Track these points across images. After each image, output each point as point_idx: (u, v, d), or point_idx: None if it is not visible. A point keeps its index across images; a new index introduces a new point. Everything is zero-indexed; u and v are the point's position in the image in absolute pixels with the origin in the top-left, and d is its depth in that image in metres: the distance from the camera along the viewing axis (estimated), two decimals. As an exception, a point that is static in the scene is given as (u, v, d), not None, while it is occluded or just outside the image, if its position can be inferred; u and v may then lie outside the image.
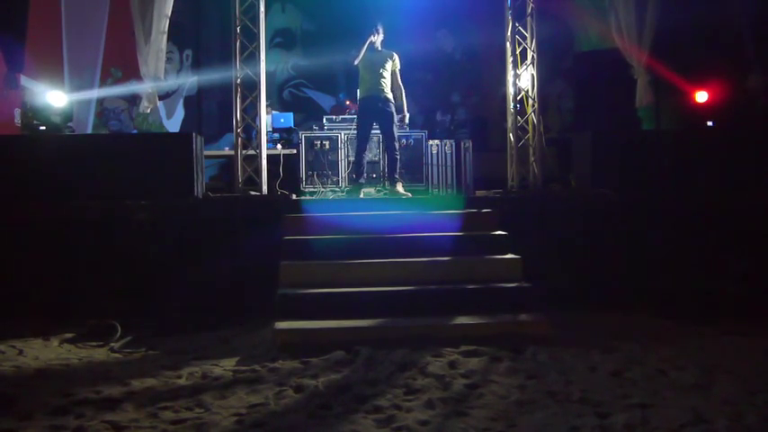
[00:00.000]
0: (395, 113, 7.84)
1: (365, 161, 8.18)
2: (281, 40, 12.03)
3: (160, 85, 8.04)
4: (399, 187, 7.85)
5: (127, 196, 6.52)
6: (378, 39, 7.77)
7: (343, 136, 9.03)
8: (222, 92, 10.94)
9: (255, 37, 7.36)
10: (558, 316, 5.57)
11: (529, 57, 7.81)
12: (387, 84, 7.77)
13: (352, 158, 9.01)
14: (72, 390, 4.26)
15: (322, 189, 8.69)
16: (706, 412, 3.70)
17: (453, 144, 9.22)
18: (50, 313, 6.08)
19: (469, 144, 9.27)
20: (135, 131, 10.94)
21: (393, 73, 7.85)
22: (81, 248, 6.40)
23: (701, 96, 9.77)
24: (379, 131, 8.61)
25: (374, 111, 7.78)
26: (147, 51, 7.57)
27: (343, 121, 9.25)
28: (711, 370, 4.45)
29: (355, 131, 8.37)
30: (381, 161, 9.08)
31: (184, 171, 6.73)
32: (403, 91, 7.93)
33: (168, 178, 6.69)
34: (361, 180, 7.95)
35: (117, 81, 10.21)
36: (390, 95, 7.79)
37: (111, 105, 10.91)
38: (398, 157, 7.94)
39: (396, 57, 7.87)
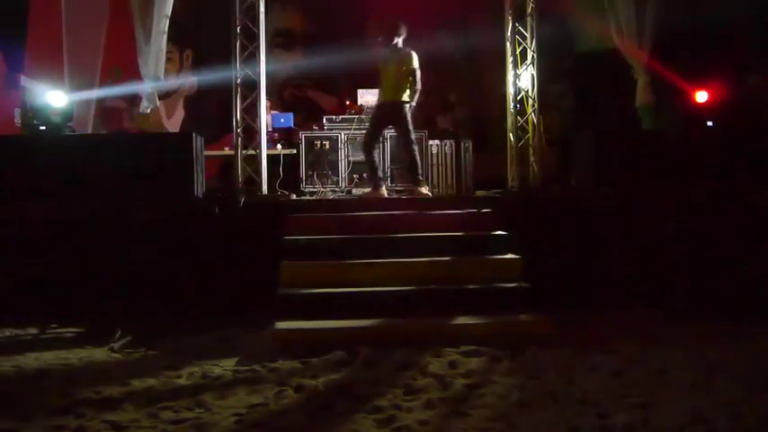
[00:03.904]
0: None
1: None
2: (282, 40, 12.02)
3: (160, 85, 8.03)
4: (423, 188, 7.66)
5: (127, 196, 6.51)
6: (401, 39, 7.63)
7: (343, 136, 9.02)
8: (222, 92, 10.91)
9: (255, 37, 7.36)
10: (558, 316, 5.57)
11: (529, 57, 7.82)
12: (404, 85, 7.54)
13: (351, 158, 9.01)
14: (72, 390, 4.26)
15: (322, 189, 8.69)
16: (706, 412, 3.70)
17: (453, 144, 9.21)
18: (51, 313, 6.08)
19: (469, 144, 9.27)
20: (135, 131, 10.93)
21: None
22: (81, 248, 6.40)
23: (701, 96, 9.76)
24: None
25: (390, 115, 7.63)
26: (147, 51, 7.57)
27: (344, 121, 9.25)
28: (711, 370, 4.45)
29: (355, 133, 8.65)
30: (381, 161, 9.07)
31: (184, 171, 6.72)
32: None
33: (168, 178, 6.68)
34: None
35: (117, 81, 10.20)
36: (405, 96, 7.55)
37: (111, 105, 10.89)
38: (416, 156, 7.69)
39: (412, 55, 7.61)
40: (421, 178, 7.75)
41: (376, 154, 7.96)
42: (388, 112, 7.63)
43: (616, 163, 7.04)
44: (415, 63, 7.52)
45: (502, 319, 5.36)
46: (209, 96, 11.56)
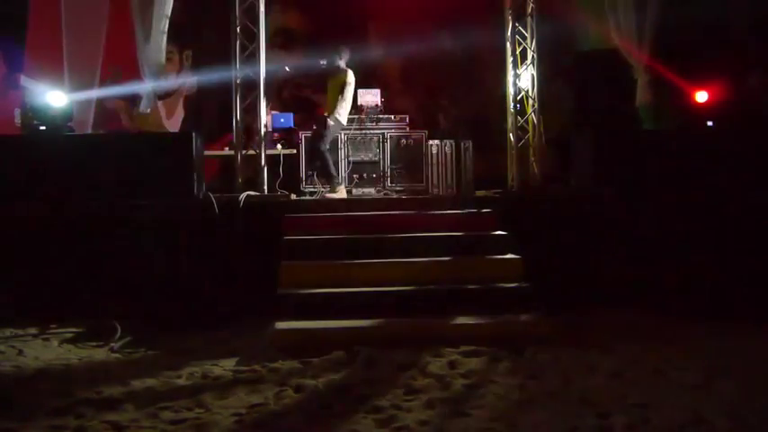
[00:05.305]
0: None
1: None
2: (281, 40, 12.01)
3: (160, 85, 8.03)
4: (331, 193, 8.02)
5: (127, 196, 6.52)
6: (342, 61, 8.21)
7: (342, 136, 9.02)
8: (222, 92, 10.91)
9: (255, 37, 7.36)
10: (558, 316, 5.57)
11: (529, 57, 7.83)
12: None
13: (351, 158, 9.04)
14: (72, 390, 4.26)
15: (322, 189, 8.69)
16: (706, 412, 3.71)
17: (453, 144, 9.22)
18: (50, 313, 6.08)
19: (469, 144, 9.27)
20: (135, 131, 10.91)
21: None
22: (81, 248, 6.40)
23: (701, 96, 9.75)
24: (377, 132, 9.05)
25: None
26: (146, 51, 7.57)
27: (343, 121, 9.24)
28: (711, 370, 4.45)
29: (355, 133, 8.85)
30: (381, 161, 9.08)
31: (184, 171, 6.73)
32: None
33: (168, 178, 6.68)
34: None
35: (117, 81, 10.19)
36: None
37: (111, 105, 10.88)
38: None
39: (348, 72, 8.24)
40: (336, 182, 8.11)
41: (327, 157, 8.23)
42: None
43: (616, 163, 7.04)
44: (349, 79, 8.10)
45: (502, 319, 5.36)
46: (209, 96, 11.54)
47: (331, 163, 8.22)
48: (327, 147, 8.20)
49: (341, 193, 8.05)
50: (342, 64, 8.19)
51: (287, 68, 9.91)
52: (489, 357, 4.77)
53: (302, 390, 4.21)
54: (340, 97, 8.07)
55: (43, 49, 8.81)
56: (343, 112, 8.16)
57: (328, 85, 8.26)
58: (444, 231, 6.31)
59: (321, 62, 8.26)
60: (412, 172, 9.12)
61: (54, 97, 7.74)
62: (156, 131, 10.86)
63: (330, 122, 8.06)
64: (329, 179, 8.10)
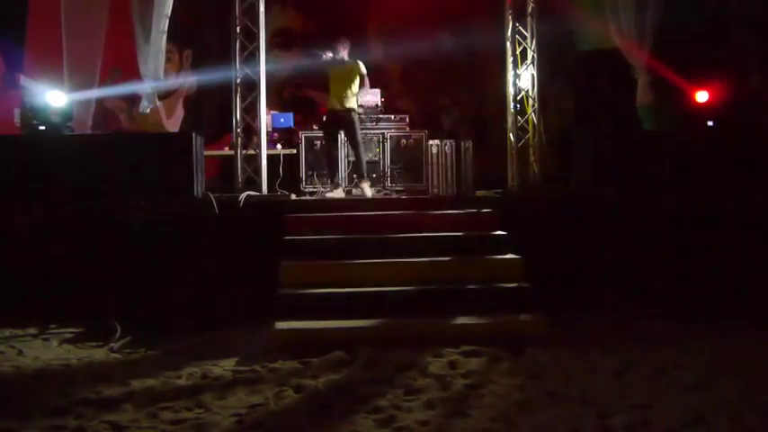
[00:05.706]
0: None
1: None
2: (281, 40, 12.01)
3: (160, 85, 8.02)
4: (366, 186, 8.05)
5: (127, 196, 6.51)
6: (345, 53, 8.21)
7: (342, 136, 9.01)
8: (222, 92, 10.91)
9: (255, 37, 7.37)
10: (559, 316, 5.57)
11: (529, 57, 7.83)
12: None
13: (352, 159, 9.03)
14: (72, 390, 4.26)
15: (322, 189, 8.69)
16: (706, 412, 3.70)
17: (453, 144, 9.21)
18: (50, 313, 6.08)
19: (469, 144, 9.27)
20: (135, 131, 10.91)
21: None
22: (81, 248, 6.39)
23: (701, 96, 9.75)
24: (377, 132, 9.05)
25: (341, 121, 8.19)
26: (146, 51, 7.56)
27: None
28: (711, 370, 4.46)
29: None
30: (381, 161, 9.09)
31: (184, 171, 6.72)
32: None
33: (168, 178, 6.68)
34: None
35: (117, 81, 10.18)
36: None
37: (111, 105, 10.88)
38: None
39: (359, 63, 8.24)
40: (365, 176, 8.14)
41: (334, 156, 8.44)
42: (338, 119, 8.13)
43: (616, 163, 7.04)
44: (363, 69, 8.12)
45: (502, 319, 5.36)
46: (209, 96, 11.54)
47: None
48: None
49: (341, 191, 8.06)
50: (345, 55, 8.16)
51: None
52: (489, 357, 4.77)
53: (302, 390, 4.21)
54: (358, 88, 8.10)
55: (43, 49, 8.81)
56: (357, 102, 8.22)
57: (335, 75, 8.14)
58: (444, 231, 6.30)
59: (326, 54, 8.19)
60: (412, 172, 9.11)
61: (54, 97, 7.74)
62: (156, 131, 10.87)
63: (356, 114, 8.15)
64: (361, 171, 8.12)
